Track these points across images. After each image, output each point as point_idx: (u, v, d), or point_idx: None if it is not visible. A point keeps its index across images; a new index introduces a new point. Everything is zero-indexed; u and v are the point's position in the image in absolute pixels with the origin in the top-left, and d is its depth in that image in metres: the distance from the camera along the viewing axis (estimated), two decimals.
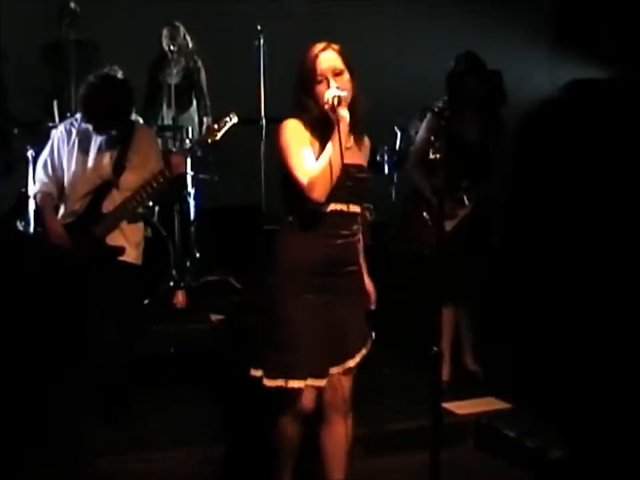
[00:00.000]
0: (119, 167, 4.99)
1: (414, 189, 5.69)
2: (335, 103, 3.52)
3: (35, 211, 5.90)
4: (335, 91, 3.55)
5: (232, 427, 4.97)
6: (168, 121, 7.65)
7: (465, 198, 5.45)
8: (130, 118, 5.24)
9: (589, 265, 5.41)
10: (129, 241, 5.03)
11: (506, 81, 5.76)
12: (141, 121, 6.97)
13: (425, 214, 5.53)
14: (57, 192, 5.11)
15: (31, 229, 6.36)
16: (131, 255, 5.03)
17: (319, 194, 3.55)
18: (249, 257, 6.89)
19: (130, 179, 4.99)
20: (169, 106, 7.69)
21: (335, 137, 3.52)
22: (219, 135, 5.03)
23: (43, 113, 7.42)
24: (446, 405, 5.19)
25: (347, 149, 3.63)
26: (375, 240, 6.81)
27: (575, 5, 9.28)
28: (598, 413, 4.49)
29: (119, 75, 7.04)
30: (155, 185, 4.95)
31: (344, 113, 3.54)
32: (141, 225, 5.20)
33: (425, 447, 3.57)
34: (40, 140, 5.95)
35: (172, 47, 7.60)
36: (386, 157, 7.61)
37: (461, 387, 5.58)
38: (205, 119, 7.76)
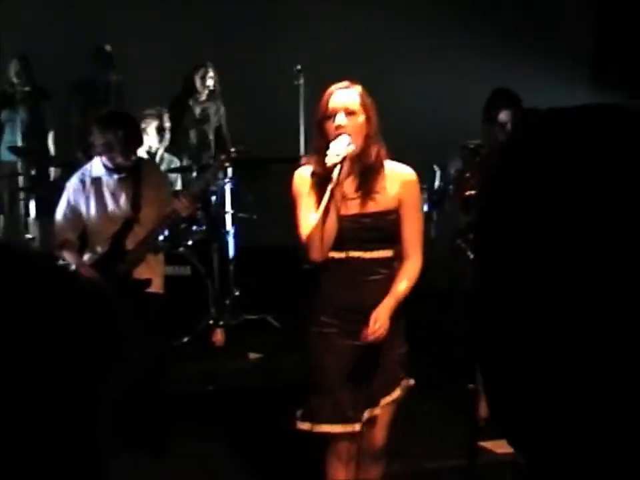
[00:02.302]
0: (136, 205, 5.14)
1: (458, 227, 5.68)
2: (338, 165, 3.40)
3: None
4: (340, 148, 3.42)
5: (269, 466, 4.95)
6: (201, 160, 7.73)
7: None
8: (136, 154, 5.32)
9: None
10: (154, 272, 5.17)
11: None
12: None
13: (468, 252, 5.49)
14: (77, 239, 5.23)
15: (73, 266, 6.42)
16: (156, 285, 5.16)
17: (314, 255, 3.54)
18: (288, 297, 6.88)
19: (148, 213, 5.14)
20: (201, 144, 7.80)
21: (326, 197, 3.44)
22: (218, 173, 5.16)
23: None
24: (484, 444, 5.11)
25: (352, 199, 3.57)
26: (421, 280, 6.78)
27: (616, 41, 9.25)
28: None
29: (164, 113, 7.17)
30: (169, 222, 5.18)
31: (339, 175, 3.41)
32: (161, 256, 5.36)
33: None
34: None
35: (204, 87, 7.74)
36: (425, 196, 7.57)
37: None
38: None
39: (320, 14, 9.24)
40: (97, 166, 5.16)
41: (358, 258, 3.61)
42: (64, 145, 7.78)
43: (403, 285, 3.63)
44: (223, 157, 5.22)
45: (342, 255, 3.60)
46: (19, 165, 7.47)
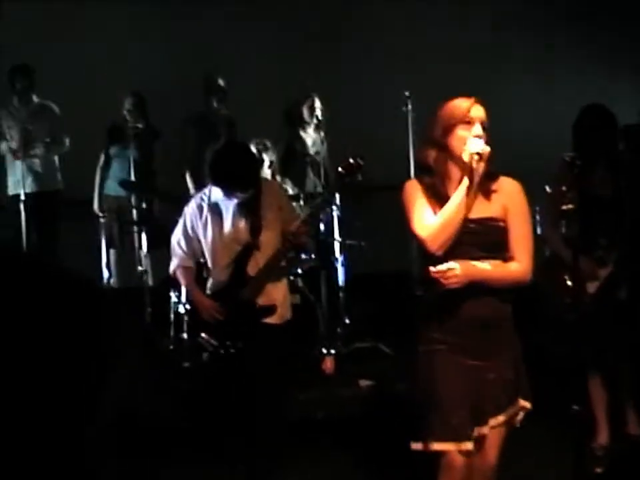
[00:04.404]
0: (255, 229, 5.04)
1: (552, 249, 5.48)
2: (476, 159, 3.54)
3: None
4: (481, 145, 3.56)
5: None
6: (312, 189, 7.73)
7: (605, 257, 5.16)
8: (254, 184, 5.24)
9: None
10: (275, 300, 5.07)
11: None
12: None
13: (565, 276, 5.24)
14: (194, 265, 5.26)
15: (183, 299, 6.51)
16: (279, 316, 5.06)
17: (436, 247, 3.55)
18: (400, 323, 6.80)
19: (269, 237, 5.04)
20: (309, 175, 7.81)
21: (461, 189, 3.57)
22: (347, 179, 5.03)
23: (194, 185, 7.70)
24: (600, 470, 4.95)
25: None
26: (529, 303, 6.61)
27: None
28: None
29: (269, 146, 7.19)
30: (289, 245, 5.00)
31: (480, 169, 3.56)
32: (285, 282, 5.22)
33: None
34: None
35: (312, 117, 7.76)
36: (538, 217, 7.40)
37: (624, 452, 5.29)
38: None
39: (425, 39, 9.23)
40: (215, 191, 5.08)
41: None
42: (173, 179, 7.92)
43: (500, 267, 3.64)
44: (339, 171, 5.05)
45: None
46: (132, 199, 7.61)
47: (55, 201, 8.07)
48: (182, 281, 5.29)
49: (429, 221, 3.61)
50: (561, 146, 6.71)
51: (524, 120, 9.05)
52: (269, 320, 5.02)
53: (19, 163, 7.74)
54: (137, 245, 7.52)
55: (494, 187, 3.71)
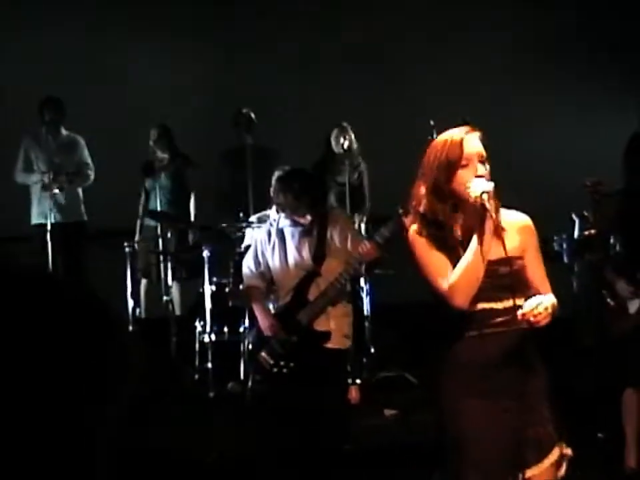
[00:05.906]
0: (319, 256, 5.19)
1: (594, 277, 5.44)
2: (485, 198, 3.20)
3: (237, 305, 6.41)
4: (484, 184, 3.25)
5: None
6: None
7: None
8: (321, 205, 5.45)
9: None
10: (334, 326, 5.19)
11: None
12: None
13: (608, 300, 5.21)
14: (264, 287, 5.40)
15: (208, 328, 6.55)
16: (336, 341, 5.18)
17: (460, 300, 3.28)
18: (426, 353, 6.76)
19: (333, 265, 5.17)
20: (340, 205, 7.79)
21: (475, 236, 3.29)
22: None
23: (222, 215, 7.72)
24: None
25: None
26: (558, 335, 6.55)
27: None
28: None
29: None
30: (351, 271, 5.12)
31: (492, 209, 3.21)
32: (348, 309, 5.34)
33: None
34: (218, 241, 6.22)
35: (343, 148, 7.74)
36: (564, 246, 7.37)
37: None
38: (358, 219, 7.71)
39: (449, 68, 9.25)
40: (283, 218, 5.32)
41: (490, 309, 3.35)
42: (204, 208, 7.99)
43: (549, 297, 3.32)
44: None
45: (473, 308, 3.33)
46: (158, 229, 7.66)
47: (79, 232, 8.12)
48: (252, 303, 5.43)
49: (445, 274, 3.31)
50: (593, 174, 6.63)
51: (552, 148, 9.01)
52: (332, 345, 5.18)
53: (45, 194, 7.78)
54: (162, 275, 7.56)
55: (503, 223, 3.36)
